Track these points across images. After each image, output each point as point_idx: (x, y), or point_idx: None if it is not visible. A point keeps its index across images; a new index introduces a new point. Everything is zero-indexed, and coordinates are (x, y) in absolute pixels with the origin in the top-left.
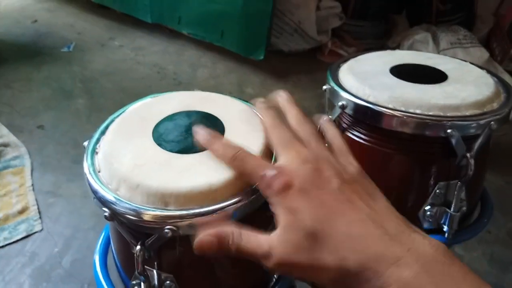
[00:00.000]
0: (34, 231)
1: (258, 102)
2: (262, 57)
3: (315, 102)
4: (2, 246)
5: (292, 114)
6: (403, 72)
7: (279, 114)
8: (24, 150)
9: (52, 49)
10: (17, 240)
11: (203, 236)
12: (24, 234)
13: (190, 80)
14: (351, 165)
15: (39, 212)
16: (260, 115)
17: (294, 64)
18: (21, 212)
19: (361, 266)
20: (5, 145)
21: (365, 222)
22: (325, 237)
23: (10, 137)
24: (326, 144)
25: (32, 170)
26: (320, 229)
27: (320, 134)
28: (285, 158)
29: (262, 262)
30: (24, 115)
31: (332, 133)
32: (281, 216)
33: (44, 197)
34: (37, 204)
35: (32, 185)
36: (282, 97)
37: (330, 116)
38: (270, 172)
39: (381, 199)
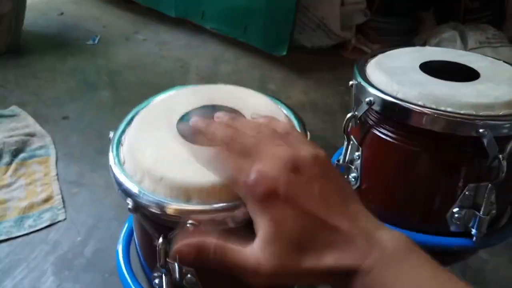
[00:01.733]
0: (58, 220)
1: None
2: (285, 53)
3: (338, 100)
4: (27, 234)
5: (227, 131)
6: (433, 69)
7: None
8: (49, 140)
9: (78, 41)
10: (41, 228)
11: (182, 245)
12: (48, 223)
13: (212, 75)
14: (317, 148)
15: (63, 201)
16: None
17: (317, 60)
18: (46, 200)
19: (341, 268)
20: (32, 134)
21: (345, 225)
22: (309, 245)
23: (36, 127)
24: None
25: (56, 160)
26: (305, 239)
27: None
28: (258, 166)
29: (248, 278)
30: (50, 106)
31: (278, 123)
32: (264, 227)
33: (68, 186)
34: (61, 194)
35: (57, 174)
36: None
37: (356, 113)
38: (250, 177)
39: (354, 198)
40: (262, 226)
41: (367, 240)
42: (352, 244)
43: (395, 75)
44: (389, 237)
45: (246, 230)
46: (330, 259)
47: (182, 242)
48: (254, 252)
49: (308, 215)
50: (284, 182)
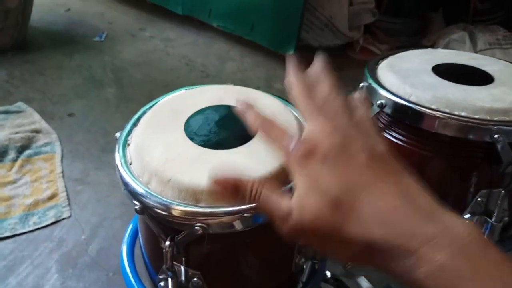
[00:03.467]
0: (62, 217)
1: (291, 68)
2: (292, 52)
3: None
4: (32, 231)
5: (324, 85)
6: (446, 71)
7: (311, 84)
8: (55, 137)
9: (84, 38)
10: (46, 226)
11: (218, 181)
12: (53, 220)
13: (218, 73)
14: (379, 144)
15: (68, 199)
16: (290, 83)
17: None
18: (51, 198)
19: (388, 242)
20: (37, 131)
21: (395, 197)
22: (350, 207)
23: (42, 124)
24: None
25: (62, 157)
26: (344, 198)
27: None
28: (311, 128)
29: (279, 224)
30: (56, 102)
31: (362, 112)
32: (301, 183)
33: (73, 184)
34: (66, 191)
35: (62, 171)
36: (317, 66)
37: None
38: (292, 141)
39: (411, 178)
40: (298, 182)
41: (429, 220)
42: (406, 221)
43: (407, 77)
44: (460, 223)
45: (254, 235)
46: (378, 231)
47: (218, 178)
48: (289, 201)
49: (349, 178)
50: (327, 144)
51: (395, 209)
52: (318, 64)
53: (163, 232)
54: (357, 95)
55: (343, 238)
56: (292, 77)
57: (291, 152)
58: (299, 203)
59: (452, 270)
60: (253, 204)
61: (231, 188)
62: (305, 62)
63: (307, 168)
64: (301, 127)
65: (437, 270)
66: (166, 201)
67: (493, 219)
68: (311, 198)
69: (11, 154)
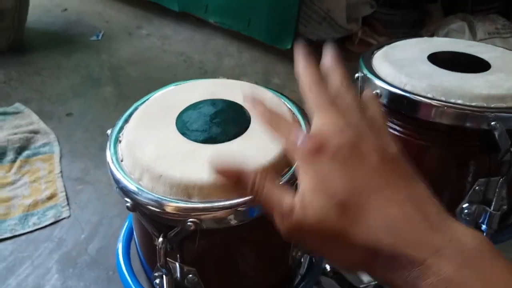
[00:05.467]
0: (62, 217)
1: (300, 57)
2: (289, 46)
3: None
4: (31, 231)
5: (336, 77)
6: (442, 60)
7: (321, 75)
8: (53, 137)
9: (81, 37)
10: (46, 226)
11: (220, 169)
12: (52, 220)
13: (216, 69)
14: (391, 145)
15: (67, 199)
16: (300, 73)
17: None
18: (50, 198)
19: (395, 251)
20: (35, 132)
21: (404, 204)
22: (358, 212)
23: (40, 124)
24: None
25: (60, 157)
26: (352, 202)
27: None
28: (321, 122)
29: (279, 221)
30: (54, 102)
31: (374, 109)
32: (307, 181)
33: (72, 183)
34: (65, 191)
35: (61, 171)
36: (327, 58)
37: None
38: (300, 135)
39: (421, 184)
40: (303, 179)
41: (437, 230)
42: (415, 231)
43: (402, 67)
44: (469, 234)
45: (249, 229)
46: (385, 239)
47: (220, 167)
48: (291, 197)
49: (359, 180)
50: (338, 141)
51: (404, 217)
52: (328, 56)
53: (156, 229)
54: (368, 92)
55: (346, 243)
56: (301, 66)
57: (298, 147)
58: (303, 201)
59: (458, 284)
60: (253, 197)
61: (233, 178)
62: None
63: (315, 165)
64: (294, 121)
65: (443, 283)
66: (157, 197)
67: (492, 208)
68: (317, 198)
69: (10, 155)
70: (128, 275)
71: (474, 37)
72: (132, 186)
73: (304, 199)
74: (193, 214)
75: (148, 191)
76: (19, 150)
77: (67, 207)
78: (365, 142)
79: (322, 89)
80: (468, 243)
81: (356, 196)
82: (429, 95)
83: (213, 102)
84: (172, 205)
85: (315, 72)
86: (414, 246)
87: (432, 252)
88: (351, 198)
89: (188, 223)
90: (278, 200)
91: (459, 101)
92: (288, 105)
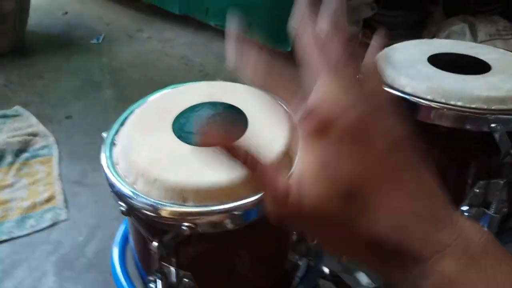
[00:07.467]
0: (60, 219)
1: (303, 6)
2: (289, 49)
3: None
4: (29, 234)
5: (339, 42)
6: (442, 61)
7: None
8: (52, 140)
9: (82, 40)
10: (43, 228)
11: (215, 138)
12: (50, 223)
13: (217, 72)
14: (399, 127)
15: (65, 201)
16: (299, 29)
17: None
18: (48, 200)
19: (401, 246)
20: (34, 134)
21: (412, 197)
22: (364, 201)
23: (39, 127)
24: None
25: (59, 160)
26: (359, 192)
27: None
28: (324, 90)
29: (271, 204)
30: (54, 105)
31: (377, 82)
32: (308, 162)
33: (70, 186)
34: (64, 193)
35: (59, 174)
36: (326, 19)
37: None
38: (307, 107)
39: (428, 175)
40: (304, 160)
41: (443, 226)
42: (421, 226)
43: (402, 68)
44: (475, 231)
45: (245, 233)
46: (391, 234)
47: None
48: (287, 180)
49: (366, 167)
50: (345, 121)
51: (411, 212)
52: (329, 13)
53: (151, 233)
54: (368, 60)
55: (346, 234)
56: (302, 21)
57: (299, 121)
58: (302, 185)
59: (462, 284)
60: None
61: (221, 145)
62: None
63: (318, 145)
64: (292, 123)
65: (446, 282)
66: (152, 202)
67: (492, 210)
68: (319, 183)
69: (8, 158)
70: (123, 278)
71: (475, 38)
72: (126, 190)
73: (303, 183)
74: (188, 218)
75: (143, 195)
76: (18, 153)
77: (65, 210)
78: (372, 124)
79: (324, 52)
80: (474, 240)
81: (364, 186)
82: (428, 97)
83: (210, 105)
84: (166, 209)
85: (316, 31)
86: (420, 243)
87: (437, 250)
88: (359, 188)
89: (183, 228)
90: (271, 180)
91: (459, 103)
92: (285, 107)
